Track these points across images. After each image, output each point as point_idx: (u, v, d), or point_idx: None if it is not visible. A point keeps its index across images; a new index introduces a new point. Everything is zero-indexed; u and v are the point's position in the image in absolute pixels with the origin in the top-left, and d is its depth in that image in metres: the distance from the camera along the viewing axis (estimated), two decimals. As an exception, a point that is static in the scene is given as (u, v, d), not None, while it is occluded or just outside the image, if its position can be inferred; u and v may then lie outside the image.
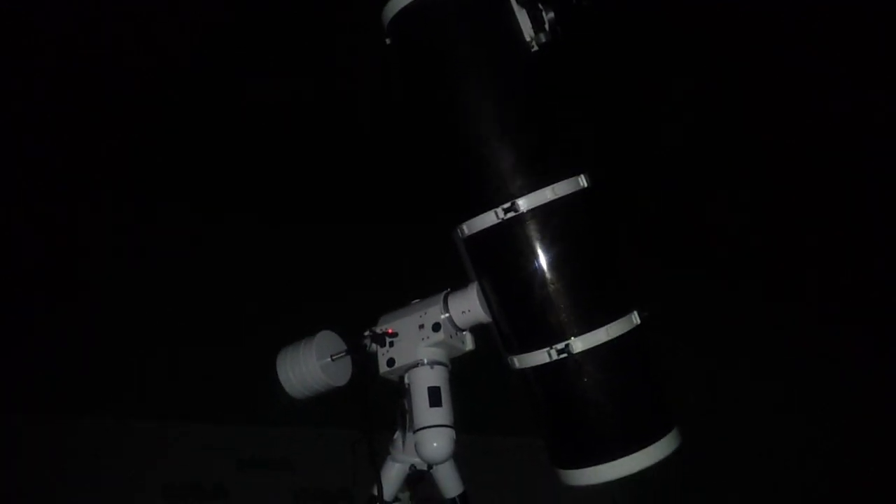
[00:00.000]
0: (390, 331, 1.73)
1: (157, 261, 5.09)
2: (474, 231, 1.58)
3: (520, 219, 1.53)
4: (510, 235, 1.55)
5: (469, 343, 1.75)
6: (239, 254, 5.21)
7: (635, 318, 1.60)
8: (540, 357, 1.56)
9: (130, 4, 6.14)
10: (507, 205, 1.53)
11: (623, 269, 1.66)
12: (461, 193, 1.62)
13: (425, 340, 1.70)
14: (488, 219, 1.55)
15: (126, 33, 6.34)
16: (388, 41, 1.62)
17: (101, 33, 6.19)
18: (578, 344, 1.53)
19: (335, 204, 5.63)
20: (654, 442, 1.55)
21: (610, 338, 1.54)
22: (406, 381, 1.71)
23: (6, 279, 4.80)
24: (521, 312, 1.61)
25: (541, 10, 1.57)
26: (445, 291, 1.73)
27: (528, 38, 1.58)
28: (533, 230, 1.54)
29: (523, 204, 1.53)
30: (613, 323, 1.56)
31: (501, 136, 1.54)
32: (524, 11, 1.58)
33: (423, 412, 1.66)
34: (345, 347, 1.77)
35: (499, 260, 1.60)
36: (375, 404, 1.74)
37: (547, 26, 1.58)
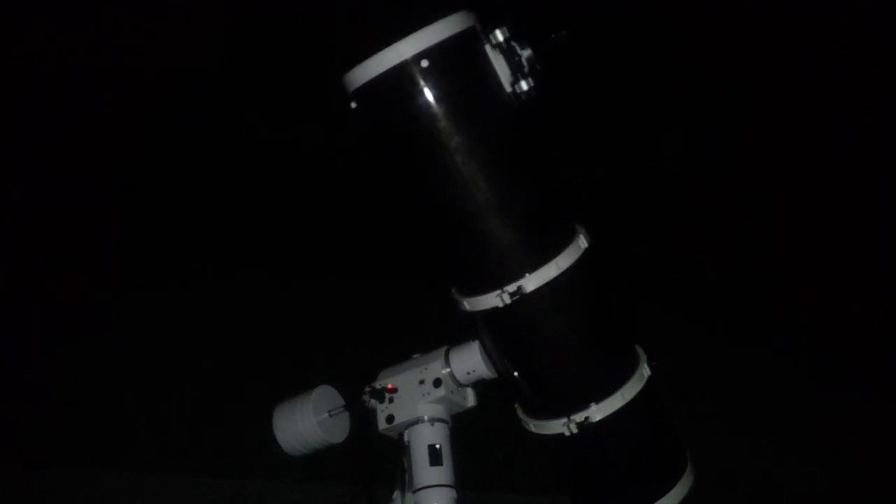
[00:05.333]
0: (390, 386, 1.68)
1: (155, 315, 5.05)
2: (476, 309, 1.51)
3: (526, 299, 1.45)
4: (517, 316, 1.47)
5: (471, 399, 1.71)
6: (237, 307, 5.16)
7: (646, 371, 1.58)
8: (558, 427, 1.52)
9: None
10: (511, 289, 1.44)
11: (628, 323, 1.64)
12: (458, 273, 1.54)
13: (426, 396, 1.66)
14: (492, 300, 1.46)
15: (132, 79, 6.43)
16: (353, 105, 1.46)
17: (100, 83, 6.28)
18: (597, 414, 1.50)
19: (334, 258, 5.60)
20: (675, 484, 1.58)
21: (626, 401, 1.52)
22: (406, 438, 1.67)
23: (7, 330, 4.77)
24: (532, 386, 1.58)
25: (518, 55, 1.44)
26: (446, 346, 1.70)
27: (509, 89, 1.45)
28: (540, 308, 1.47)
29: (528, 285, 1.44)
30: (627, 384, 1.53)
31: (497, 212, 1.44)
32: (501, 57, 1.45)
33: (423, 471, 1.62)
34: (343, 403, 1.74)
35: (505, 338, 1.55)
36: (374, 462, 1.70)
37: (526, 68, 1.45)
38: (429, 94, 1.38)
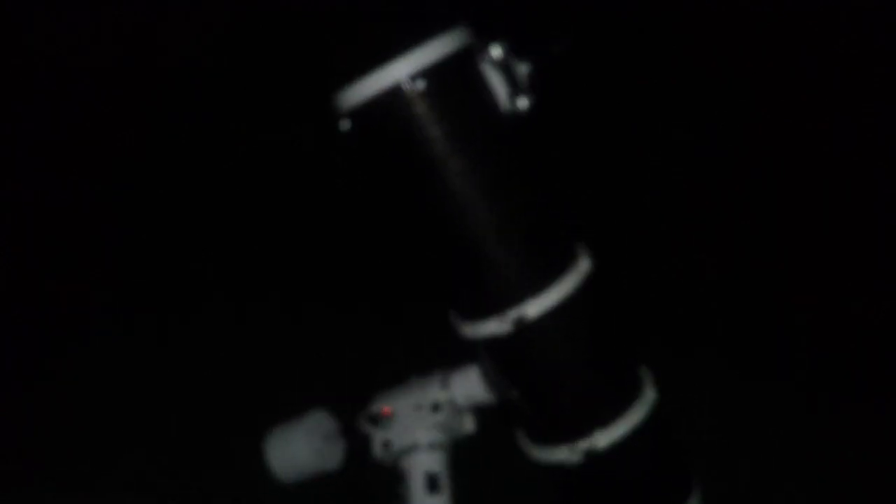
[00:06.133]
0: (386, 411, 1.64)
1: (146, 339, 5.03)
2: (477, 335, 1.46)
3: (528, 325, 1.40)
4: (519, 342, 1.42)
5: (470, 424, 1.67)
6: (227, 328, 5.12)
7: (651, 394, 1.54)
8: (562, 454, 1.47)
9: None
10: (513, 314, 1.39)
11: (633, 345, 1.60)
12: (458, 297, 1.49)
13: (423, 422, 1.62)
14: (493, 326, 1.42)
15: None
16: (345, 125, 1.39)
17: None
18: (602, 441, 1.45)
19: (331, 278, 5.57)
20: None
21: (632, 426, 1.47)
22: (402, 465, 1.63)
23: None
24: (534, 412, 1.53)
25: (516, 71, 1.38)
26: (445, 370, 1.66)
27: (507, 107, 1.39)
28: (543, 333, 1.42)
29: (531, 310, 1.39)
30: (633, 409, 1.49)
31: (498, 236, 1.39)
32: (498, 74, 1.38)
33: (421, 499, 1.59)
34: (337, 428, 1.70)
35: (507, 364, 1.50)
36: (369, 490, 1.66)
37: (524, 84, 1.39)
38: (425, 117, 1.33)
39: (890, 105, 5.93)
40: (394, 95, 1.32)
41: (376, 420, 1.64)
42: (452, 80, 1.35)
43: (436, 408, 1.62)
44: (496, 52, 1.38)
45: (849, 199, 5.75)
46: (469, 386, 1.62)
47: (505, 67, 1.38)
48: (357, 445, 1.67)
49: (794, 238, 5.63)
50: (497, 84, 1.38)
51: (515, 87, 1.38)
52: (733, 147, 6.19)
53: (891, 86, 6.00)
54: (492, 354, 1.51)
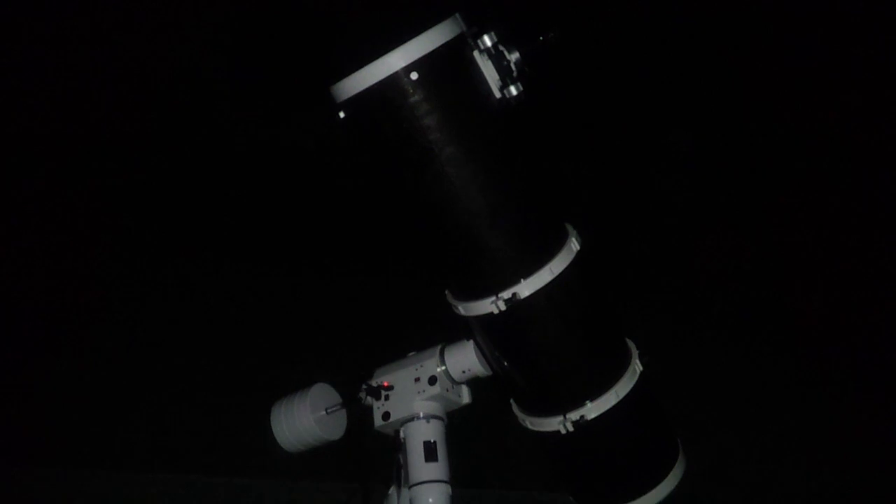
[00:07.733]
0: (386, 384, 1.70)
1: (152, 313, 5.05)
2: (471, 314, 1.51)
3: (521, 305, 1.45)
4: (512, 321, 1.48)
5: (466, 396, 1.73)
6: (233, 305, 5.14)
7: (637, 367, 1.60)
8: (554, 424, 1.55)
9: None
10: (506, 295, 1.44)
11: (620, 321, 1.66)
12: (453, 278, 1.55)
13: (421, 394, 1.68)
14: (487, 307, 1.47)
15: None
16: (342, 115, 1.43)
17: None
18: (592, 412, 1.53)
19: (330, 256, 5.59)
20: (668, 473, 1.63)
21: (620, 398, 1.54)
22: (401, 435, 1.69)
23: (7, 331, 4.78)
24: (527, 385, 1.60)
25: (507, 60, 1.41)
26: (441, 344, 1.72)
27: (498, 95, 1.42)
28: (535, 313, 1.48)
29: (523, 291, 1.45)
30: (621, 381, 1.55)
31: (490, 220, 1.44)
32: (489, 62, 1.41)
33: (419, 467, 1.64)
34: (340, 400, 1.75)
35: (501, 341, 1.57)
36: (370, 458, 1.72)
37: (515, 72, 1.41)
38: (419, 107, 1.37)
39: (890, 105, 5.92)
40: (389, 86, 1.36)
41: (377, 392, 1.71)
42: (445, 69, 1.38)
43: (433, 381, 1.68)
44: (487, 41, 1.42)
45: (849, 199, 5.74)
46: (464, 360, 1.69)
47: (496, 56, 1.41)
48: (358, 416, 1.73)
49: (793, 238, 5.63)
50: (488, 72, 1.42)
51: (506, 75, 1.41)
52: (733, 147, 6.19)
53: (891, 86, 5.98)
54: (486, 331, 1.56)
